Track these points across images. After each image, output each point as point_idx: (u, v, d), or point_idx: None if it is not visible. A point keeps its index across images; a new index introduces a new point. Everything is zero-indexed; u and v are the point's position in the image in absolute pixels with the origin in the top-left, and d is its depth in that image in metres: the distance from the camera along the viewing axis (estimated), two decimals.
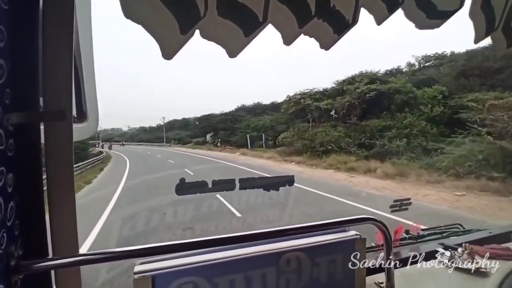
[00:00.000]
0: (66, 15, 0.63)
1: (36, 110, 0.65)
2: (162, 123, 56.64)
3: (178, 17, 0.72)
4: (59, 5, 0.62)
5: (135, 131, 63.39)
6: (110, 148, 39.32)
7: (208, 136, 36.86)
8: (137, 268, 0.71)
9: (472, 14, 1.12)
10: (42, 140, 0.66)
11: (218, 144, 32.32)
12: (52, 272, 0.68)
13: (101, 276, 3.33)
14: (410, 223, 1.74)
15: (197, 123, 44.84)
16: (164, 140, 48.18)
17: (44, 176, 0.67)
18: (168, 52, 0.73)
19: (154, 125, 59.45)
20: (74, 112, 0.75)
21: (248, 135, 27.50)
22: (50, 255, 0.67)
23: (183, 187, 0.87)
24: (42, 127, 0.66)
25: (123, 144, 48.49)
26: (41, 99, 0.65)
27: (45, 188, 0.67)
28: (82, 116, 0.85)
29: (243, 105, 39.74)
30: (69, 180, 0.67)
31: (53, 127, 0.66)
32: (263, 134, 26.56)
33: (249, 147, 26.15)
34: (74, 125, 0.70)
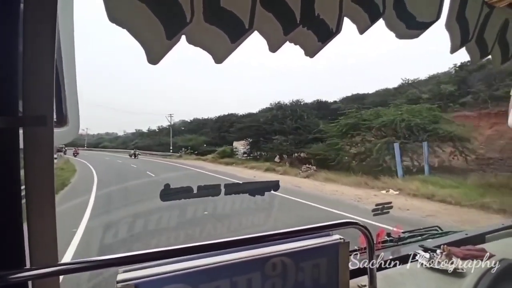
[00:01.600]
0: (47, 18, 0.62)
1: (15, 115, 0.62)
2: (168, 124, 44.54)
3: (164, 22, 0.72)
4: (40, 8, 0.61)
5: (130, 136, 52.36)
6: (75, 155, 32.32)
7: (239, 146, 27.02)
8: (120, 277, 0.69)
9: (448, 26, 1.18)
10: (21, 146, 0.64)
11: (278, 160, 21.01)
12: (30, 283, 0.66)
13: (82, 286, 3.19)
14: None
15: (212, 124, 36.97)
16: (171, 148, 37.14)
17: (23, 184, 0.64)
18: (154, 57, 0.72)
19: (154, 127, 48.19)
20: (55, 117, 0.73)
21: (386, 145, 13.46)
22: (28, 266, 0.65)
23: (168, 193, 0.86)
24: (21, 132, 0.64)
25: (75, 153, 33.93)
26: (20, 103, 0.63)
27: (23, 194, 0.65)
28: (62, 120, 0.83)
29: (280, 102, 26.93)
30: (49, 187, 0.65)
31: (33, 132, 0.64)
32: (424, 141, 12.98)
33: (399, 174, 12.43)
34: (55, 130, 0.68)
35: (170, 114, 44.80)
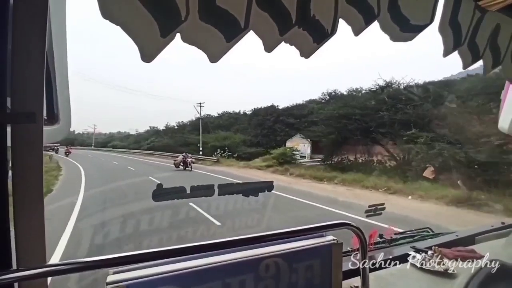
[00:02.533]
0: (38, 13, 0.60)
1: (3, 111, 0.61)
2: (193, 118, 35.18)
3: (158, 19, 0.71)
4: (31, 3, 0.59)
5: (144, 134, 42.86)
6: (67, 154, 27.69)
7: (300, 147, 21.80)
8: (110, 278, 0.68)
9: (441, 29, 1.19)
10: (9, 143, 0.62)
11: (430, 175, 11.26)
12: (16, 285, 0.64)
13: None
14: None
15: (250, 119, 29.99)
16: (201, 149, 27.42)
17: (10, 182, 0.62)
18: (148, 55, 0.71)
19: (173, 124, 38.93)
20: (45, 114, 0.71)
21: None
22: (15, 267, 0.63)
23: (160, 193, 0.85)
24: (8, 129, 0.62)
25: (67, 152, 28.38)
26: (8, 99, 0.61)
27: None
28: (53, 118, 0.81)
29: (336, 90, 24.06)
30: (37, 186, 0.63)
31: (22, 129, 0.62)
32: None
33: None
34: (45, 128, 0.66)
35: (200, 103, 32.32)
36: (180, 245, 0.73)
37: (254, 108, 32.03)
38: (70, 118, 0.85)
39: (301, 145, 22.35)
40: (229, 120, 34.75)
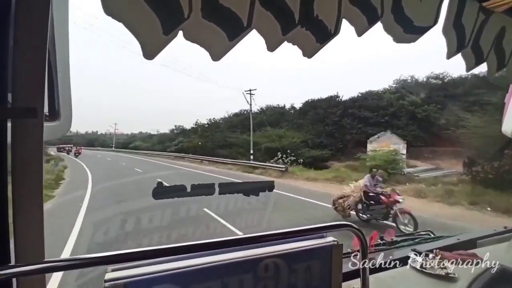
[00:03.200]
0: (40, 9, 0.60)
1: (3, 106, 0.61)
2: (228, 113, 32.07)
3: (161, 17, 0.71)
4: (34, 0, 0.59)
5: (169, 134, 37.64)
6: (76, 155, 25.73)
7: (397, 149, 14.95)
8: (108, 276, 0.68)
9: (444, 31, 1.19)
10: (9, 138, 0.62)
11: None
12: (14, 280, 0.64)
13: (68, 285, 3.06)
14: None
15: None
16: (251, 152, 21.28)
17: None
18: (150, 52, 0.71)
19: (204, 121, 32.63)
20: (46, 110, 0.71)
21: None
22: (13, 262, 0.63)
23: (161, 191, 0.85)
24: (9, 124, 0.62)
25: (77, 153, 26.20)
26: (9, 95, 0.61)
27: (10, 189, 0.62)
28: (54, 114, 0.81)
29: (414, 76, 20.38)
30: (37, 182, 0.63)
31: (22, 125, 0.62)
32: None
33: None
34: (45, 124, 0.66)
35: (249, 90, 24.19)
36: (179, 243, 0.72)
37: (310, 100, 26.00)
38: (71, 115, 0.85)
39: (395, 147, 15.70)
40: (274, 116, 27.51)
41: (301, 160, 18.67)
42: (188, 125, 35.53)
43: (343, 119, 21.59)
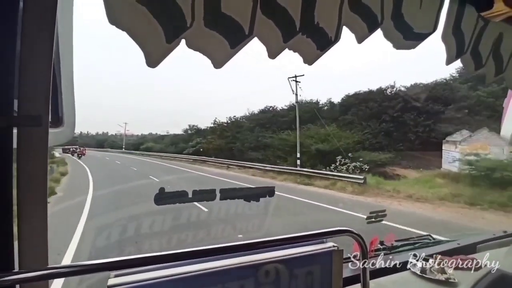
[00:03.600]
0: (46, 19, 0.61)
1: (9, 114, 0.62)
2: (249, 111, 28.54)
3: (164, 25, 0.72)
4: (40, 8, 0.60)
5: (183, 135, 34.15)
6: (79, 156, 23.88)
7: None
8: (111, 281, 0.68)
9: (444, 38, 1.20)
10: (15, 146, 0.63)
11: None
12: (18, 287, 0.64)
13: None
14: None
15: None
16: (298, 156, 16.77)
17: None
18: (153, 60, 0.72)
19: (222, 120, 28.98)
20: (49, 117, 0.72)
21: None
22: (17, 269, 0.63)
23: (163, 197, 0.85)
24: (15, 131, 0.63)
25: (80, 154, 24.41)
26: (15, 103, 0.62)
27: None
28: (57, 121, 0.82)
29: None
30: (42, 189, 0.64)
31: (28, 132, 0.63)
32: None
33: None
34: (49, 130, 0.67)
35: (295, 76, 19.48)
36: (181, 249, 0.73)
37: (356, 92, 21.53)
38: (74, 121, 0.86)
39: (495, 150, 12.32)
40: (310, 112, 22.33)
41: (366, 167, 14.31)
42: (203, 125, 32.55)
43: (404, 115, 17.07)
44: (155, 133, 45.41)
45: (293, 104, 22.72)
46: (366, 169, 14.26)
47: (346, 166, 14.81)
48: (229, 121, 29.02)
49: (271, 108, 27.62)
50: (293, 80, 19.41)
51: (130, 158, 27.56)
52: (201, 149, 25.81)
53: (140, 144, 39.63)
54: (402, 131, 17.12)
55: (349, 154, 15.27)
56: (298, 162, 16.66)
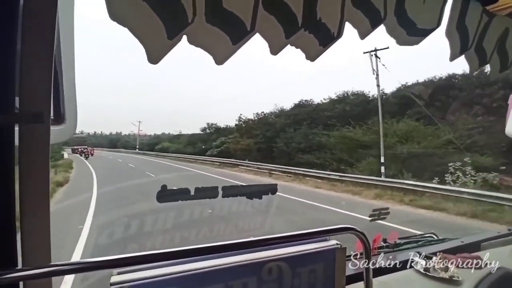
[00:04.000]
0: (47, 15, 0.61)
1: (11, 111, 0.61)
2: (277, 106, 24.73)
3: (165, 21, 0.71)
4: (40, 4, 0.60)
5: (201, 134, 31.01)
6: (87, 156, 22.18)
7: None
8: (114, 279, 0.68)
9: (448, 33, 1.18)
10: (16, 143, 0.63)
11: None
12: (21, 284, 0.64)
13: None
14: None
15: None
16: (382, 159, 12.08)
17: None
18: (154, 57, 0.72)
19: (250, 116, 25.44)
20: (51, 114, 0.72)
21: None
22: (20, 266, 0.63)
23: (165, 194, 0.85)
24: (16, 128, 0.62)
25: (87, 154, 22.62)
26: (17, 99, 0.62)
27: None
28: (59, 118, 0.82)
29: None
30: (44, 186, 0.64)
31: (29, 129, 0.63)
32: None
33: None
34: (51, 127, 0.67)
35: (375, 49, 14.77)
36: (184, 247, 0.73)
37: (429, 78, 17.43)
38: (76, 118, 0.86)
39: None
40: (361, 105, 19.23)
41: (495, 178, 9.84)
42: (221, 123, 29.46)
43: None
44: (167, 133, 42.43)
45: (337, 96, 20.38)
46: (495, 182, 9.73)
47: (472, 177, 9.80)
48: (256, 118, 25.04)
49: (306, 102, 23.76)
50: (374, 55, 14.74)
51: (147, 161, 24.06)
52: (227, 150, 22.40)
53: (155, 144, 35.94)
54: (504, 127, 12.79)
55: (466, 159, 10.45)
56: (382, 169, 12.21)
